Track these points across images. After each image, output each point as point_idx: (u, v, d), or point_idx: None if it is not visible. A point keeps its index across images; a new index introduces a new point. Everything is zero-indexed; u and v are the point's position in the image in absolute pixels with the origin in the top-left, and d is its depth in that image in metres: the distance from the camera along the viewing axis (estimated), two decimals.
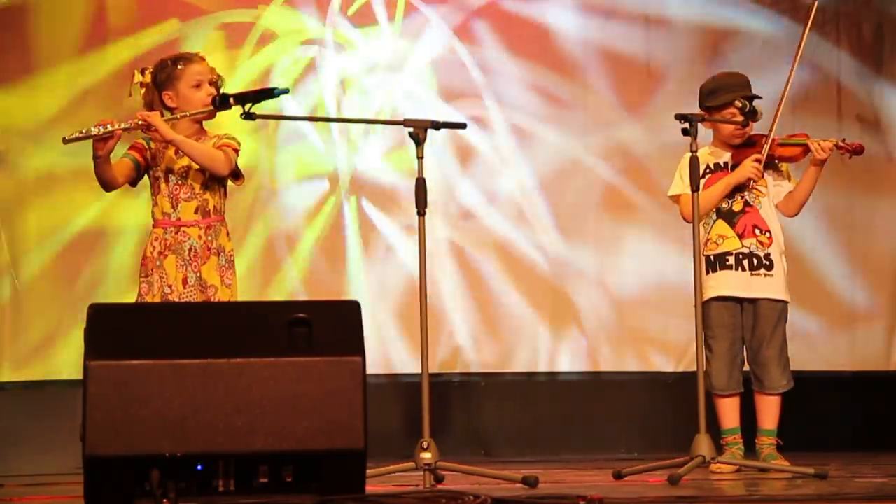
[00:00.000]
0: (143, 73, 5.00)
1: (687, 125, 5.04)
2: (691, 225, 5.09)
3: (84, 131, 4.74)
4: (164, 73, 4.97)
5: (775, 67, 6.66)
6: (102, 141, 4.74)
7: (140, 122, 4.82)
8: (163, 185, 4.94)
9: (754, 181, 5.46)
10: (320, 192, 7.11)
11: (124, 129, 4.78)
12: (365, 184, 7.12)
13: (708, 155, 5.58)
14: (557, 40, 7.30)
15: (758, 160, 5.44)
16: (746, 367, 5.55)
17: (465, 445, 6.88)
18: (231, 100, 4.79)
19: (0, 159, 6.81)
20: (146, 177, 5.00)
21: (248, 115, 4.76)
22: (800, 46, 5.53)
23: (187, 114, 4.90)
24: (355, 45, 7.18)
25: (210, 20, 7.04)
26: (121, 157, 4.91)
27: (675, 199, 5.60)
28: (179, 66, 4.96)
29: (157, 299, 4.84)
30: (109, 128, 4.73)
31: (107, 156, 4.79)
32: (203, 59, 5.03)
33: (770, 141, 5.45)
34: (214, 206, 4.95)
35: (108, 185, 4.90)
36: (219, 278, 4.90)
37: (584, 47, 7.31)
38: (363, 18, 7.18)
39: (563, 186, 7.26)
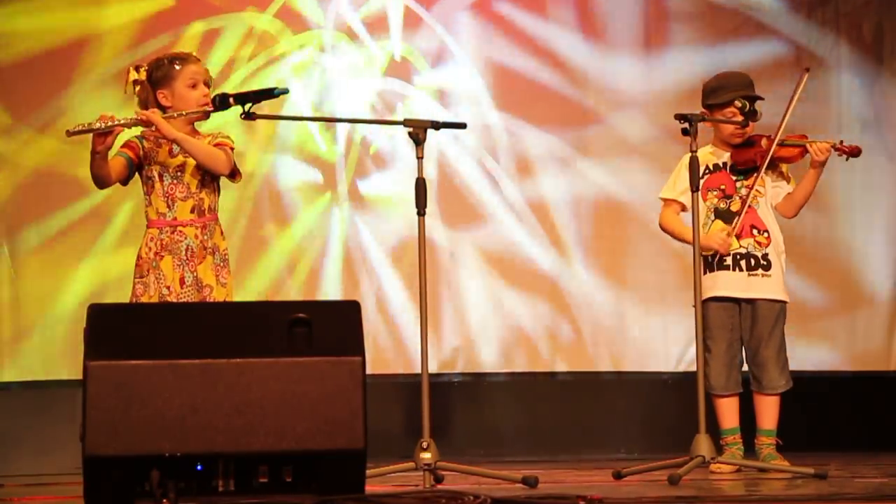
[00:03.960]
0: (137, 70, 4.99)
1: (687, 125, 5.04)
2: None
3: (86, 125, 4.74)
4: (161, 71, 4.96)
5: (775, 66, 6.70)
6: (102, 136, 4.73)
7: (141, 119, 4.82)
8: (157, 185, 4.92)
9: (721, 255, 5.46)
10: (319, 191, 7.11)
11: (125, 125, 4.77)
12: (364, 184, 7.13)
13: (709, 154, 5.58)
14: (558, 40, 7.31)
15: (729, 234, 5.44)
16: (746, 368, 5.55)
17: (465, 445, 6.88)
18: (231, 100, 4.79)
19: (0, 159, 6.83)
20: (137, 176, 4.99)
21: (248, 115, 4.76)
22: (787, 110, 5.48)
23: (184, 113, 4.89)
24: (355, 45, 7.18)
25: (210, 21, 7.04)
26: (114, 155, 4.89)
27: (665, 202, 5.63)
28: (176, 66, 4.94)
29: (155, 300, 4.82)
30: (110, 123, 4.72)
31: (105, 152, 4.78)
32: (198, 60, 5.02)
33: (763, 166, 5.43)
34: (209, 206, 4.94)
35: (101, 181, 4.88)
36: (214, 277, 4.89)
37: (584, 44, 7.33)
38: (364, 19, 7.18)
39: (563, 186, 7.26)
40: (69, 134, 4.74)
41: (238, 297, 5.11)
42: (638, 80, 7.33)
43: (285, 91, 4.95)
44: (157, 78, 4.95)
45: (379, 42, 7.20)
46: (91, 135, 4.73)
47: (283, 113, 6.78)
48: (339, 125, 7.15)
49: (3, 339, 6.78)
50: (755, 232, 5.50)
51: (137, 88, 4.97)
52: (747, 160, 5.51)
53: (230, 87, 6.69)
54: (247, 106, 4.75)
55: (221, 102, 4.80)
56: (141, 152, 4.94)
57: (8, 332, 6.79)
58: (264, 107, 5.16)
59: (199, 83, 4.95)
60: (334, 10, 7.15)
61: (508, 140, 7.26)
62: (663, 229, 5.66)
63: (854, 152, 5.49)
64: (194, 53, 5.08)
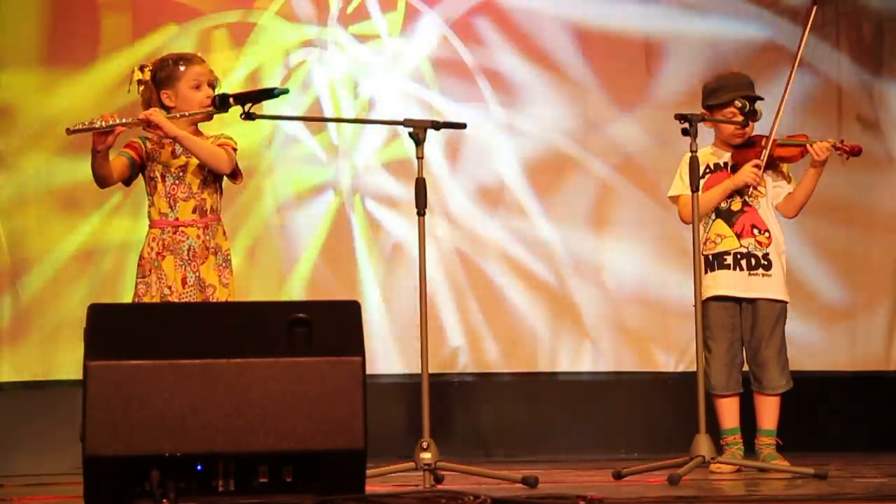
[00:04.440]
0: (142, 70, 4.99)
1: (687, 125, 5.04)
2: (690, 225, 5.10)
3: (87, 123, 4.74)
4: (165, 71, 4.97)
5: (776, 70, 6.70)
6: (103, 135, 4.74)
7: (141, 119, 4.82)
8: (160, 185, 4.93)
9: (753, 187, 5.46)
10: (319, 192, 7.11)
11: (126, 125, 4.78)
12: (365, 184, 7.12)
13: (709, 155, 5.59)
14: (557, 38, 7.31)
15: (757, 165, 5.45)
16: (746, 368, 5.55)
17: (465, 445, 6.88)
18: (231, 100, 4.79)
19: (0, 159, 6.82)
20: (140, 176, 4.99)
21: (248, 116, 4.76)
22: (800, 47, 5.54)
23: (186, 114, 4.90)
24: (355, 45, 7.18)
25: (208, 21, 7.04)
26: (116, 154, 4.90)
27: (675, 199, 5.61)
28: (181, 67, 4.96)
29: (156, 300, 4.83)
30: (111, 122, 4.73)
31: (106, 151, 4.79)
32: (203, 61, 5.03)
33: (770, 143, 5.46)
34: (211, 206, 4.94)
35: (102, 181, 4.89)
36: (217, 277, 4.90)
37: (583, 41, 7.32)
38: (363, 19, 7.17)
39: (562, 186, 7.26)
40: (69, 132, 4.75)
41: (239, 296, 5.10)
42: (639, 84, 7.32)
43: (285, 91, 4.95)
44: (161, 78, 4.96)
45: (383, 40, 7.19)
46: (91, 134, 4.74)
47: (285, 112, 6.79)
48: (337, 125, 7.16)
49: (2, 339, 6.78)
50: (756, 231, 5.50)
51: (141, 88, 4.98)
52: (748, 160, 5.51)
53: (228, 89, 6.68)
54: (247, 106, 4.75)
55: (221, 103, 4.81)
56: (143, 152, 4.95)
57: (8, 333, 6.79)
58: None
59: (202, 84, 4.96)
60: (338, 8, 7.15)
61: (510, 140, 7.25)
62: (690, 219, 5.57)
63: (854, 152, 5.50)
64: (198, 54, 5.09)
